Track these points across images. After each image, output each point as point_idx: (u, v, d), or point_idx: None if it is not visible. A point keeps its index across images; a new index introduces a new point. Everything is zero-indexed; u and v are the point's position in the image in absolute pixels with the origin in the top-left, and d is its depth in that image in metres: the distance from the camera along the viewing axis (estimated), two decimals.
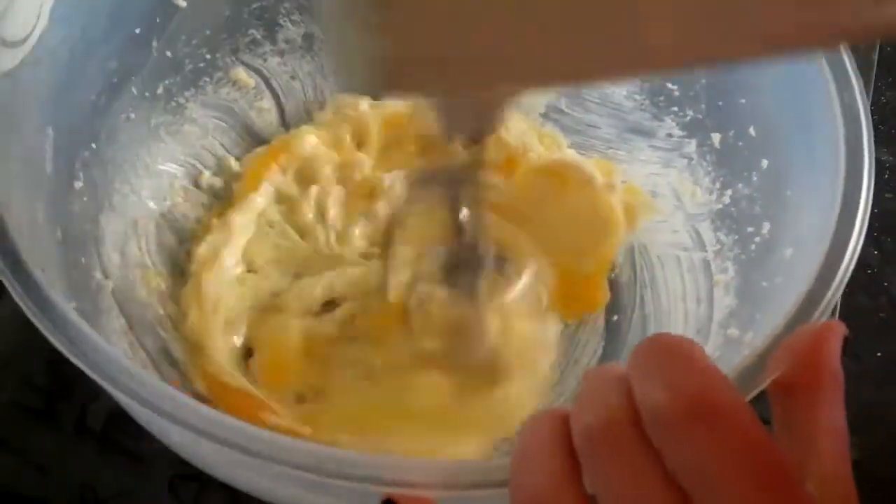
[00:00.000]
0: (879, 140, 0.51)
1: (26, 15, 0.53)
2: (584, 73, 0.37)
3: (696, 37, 0.34)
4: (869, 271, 0.70)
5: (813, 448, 0.34)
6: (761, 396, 0.39)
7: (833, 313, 0.44)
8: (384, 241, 0.57)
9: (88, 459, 0.59)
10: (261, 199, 0.67)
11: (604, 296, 0.66)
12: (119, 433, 0.59)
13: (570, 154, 0.68)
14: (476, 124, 0.44)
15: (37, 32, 0.53)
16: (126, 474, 0.58)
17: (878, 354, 0.66)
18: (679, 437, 0.31)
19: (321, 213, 0.67)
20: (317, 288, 0.64)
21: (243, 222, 0.65)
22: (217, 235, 0.65)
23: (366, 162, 0.69)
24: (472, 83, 0.37)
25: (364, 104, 0.70)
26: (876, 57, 0.76)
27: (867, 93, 0.69)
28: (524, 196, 0.67)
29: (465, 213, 0.50)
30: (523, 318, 0.63)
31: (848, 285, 0.44)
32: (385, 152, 0.70)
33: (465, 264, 0.54)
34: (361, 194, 0.68)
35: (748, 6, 0.33)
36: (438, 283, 0.58)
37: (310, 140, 0.69)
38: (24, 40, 0.52)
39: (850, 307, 0.64)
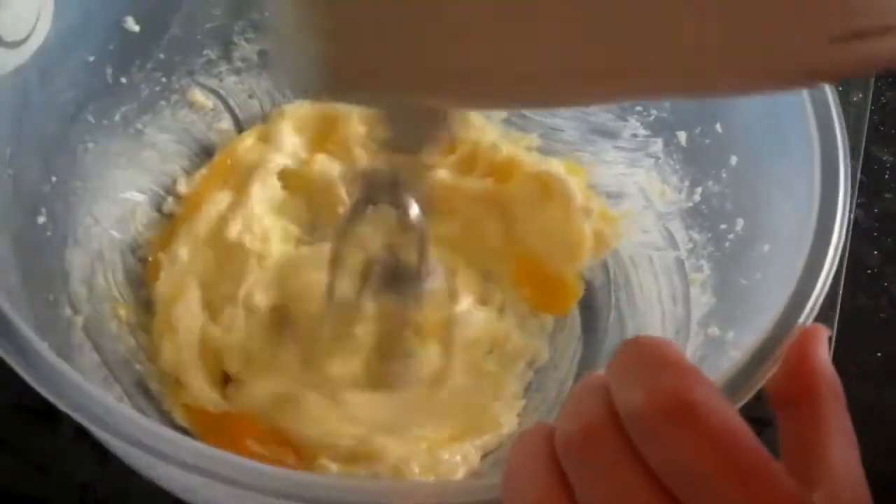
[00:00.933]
0: (879, 140, 0.50)
1: (25, 14, 0.52)
2: (523, 95, 0.38)
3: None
4: (869, 271, 0.69)
5: (820, 457, 0.34)
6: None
7: (833, 312, 0.43)
8: (334, 247, 0.57)
9: (88, 459, 0.59)
10: (201, 225, 0.65)
11: (573, 296, 0.67)
12: None
13: (558, 168, 0.67)
14: (419, 135, 0.45)
15: (36, 33, 0.53)
16: (126, 475, 0.57)
17: (878, 354, 0.66)
18: (658, 437, 0.31)
19: (248, 221, 0.65)
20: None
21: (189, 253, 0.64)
22: (172, 269, 0.63)
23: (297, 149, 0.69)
24: (409, 90, 0.38)
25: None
26: None
27: (867, 93, 0.69)
28: (517, 197, 0.67)
29: (413, 215, 0.51)
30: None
31: (848, 285, 0.43)
32: (320, 143, 0.69)
33: (404, 275, 0.56)
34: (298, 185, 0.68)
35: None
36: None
37: (246, 143, 0.68)
38: (25, 41, 0.52)
39: (850, 307, 0.64)
